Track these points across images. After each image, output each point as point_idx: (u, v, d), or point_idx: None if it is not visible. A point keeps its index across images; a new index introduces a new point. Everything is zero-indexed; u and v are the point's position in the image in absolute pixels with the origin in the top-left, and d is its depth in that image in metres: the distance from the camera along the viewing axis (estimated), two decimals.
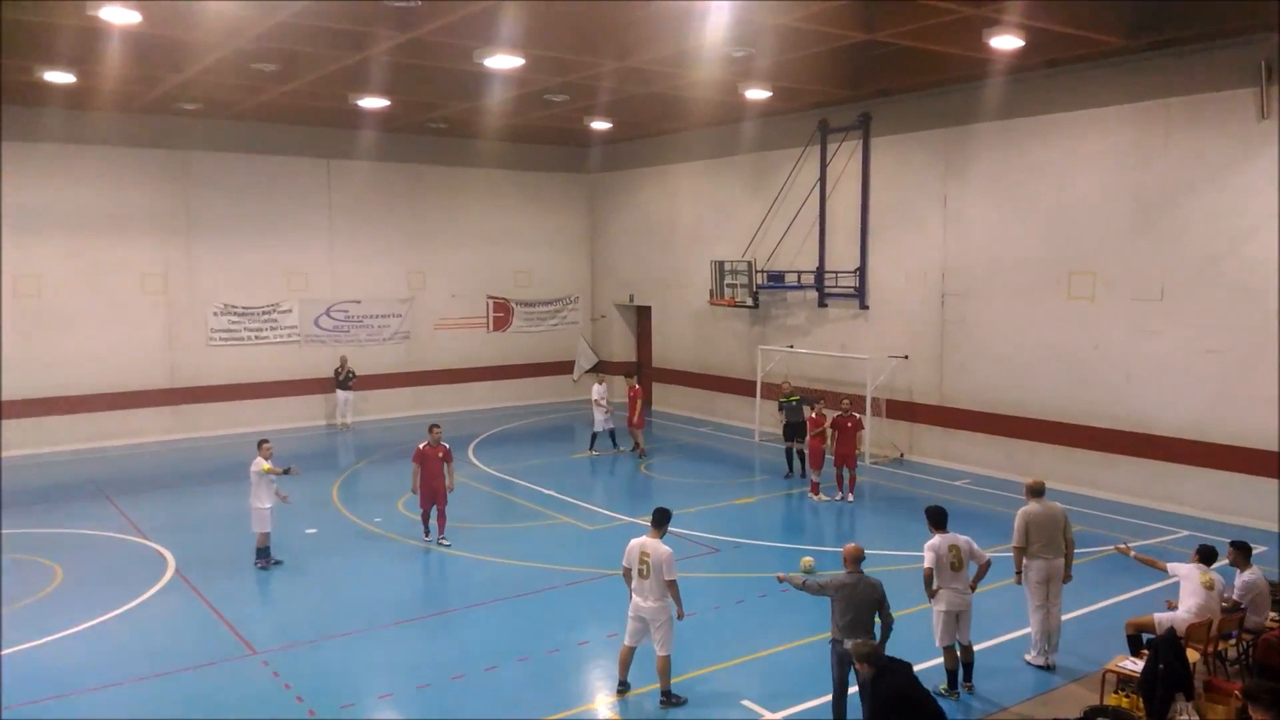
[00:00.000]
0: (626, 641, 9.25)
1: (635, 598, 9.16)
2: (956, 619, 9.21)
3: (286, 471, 13.19)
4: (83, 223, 21.24)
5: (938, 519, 9.49)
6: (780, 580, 8.71)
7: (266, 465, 12.96)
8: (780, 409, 18.20)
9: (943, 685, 9.27)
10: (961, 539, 9.35)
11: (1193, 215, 15.38)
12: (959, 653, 9.31)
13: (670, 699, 9.08)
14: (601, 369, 28.46)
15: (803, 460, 17.68)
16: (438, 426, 14.46)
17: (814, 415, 17.01)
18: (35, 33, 14.81)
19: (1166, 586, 10.71)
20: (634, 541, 9.30)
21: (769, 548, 14.29)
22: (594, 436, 20.82)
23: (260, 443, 13.42)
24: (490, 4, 12.84)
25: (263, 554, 13.26)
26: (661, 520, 9.41)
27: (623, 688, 9.25)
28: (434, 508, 14.16)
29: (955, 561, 9.21)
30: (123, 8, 12.56)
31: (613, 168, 27.86)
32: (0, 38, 14.31)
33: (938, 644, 9.29)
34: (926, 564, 9.24)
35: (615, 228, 28.04)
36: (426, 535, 14.25)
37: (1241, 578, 9.54)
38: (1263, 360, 14.65)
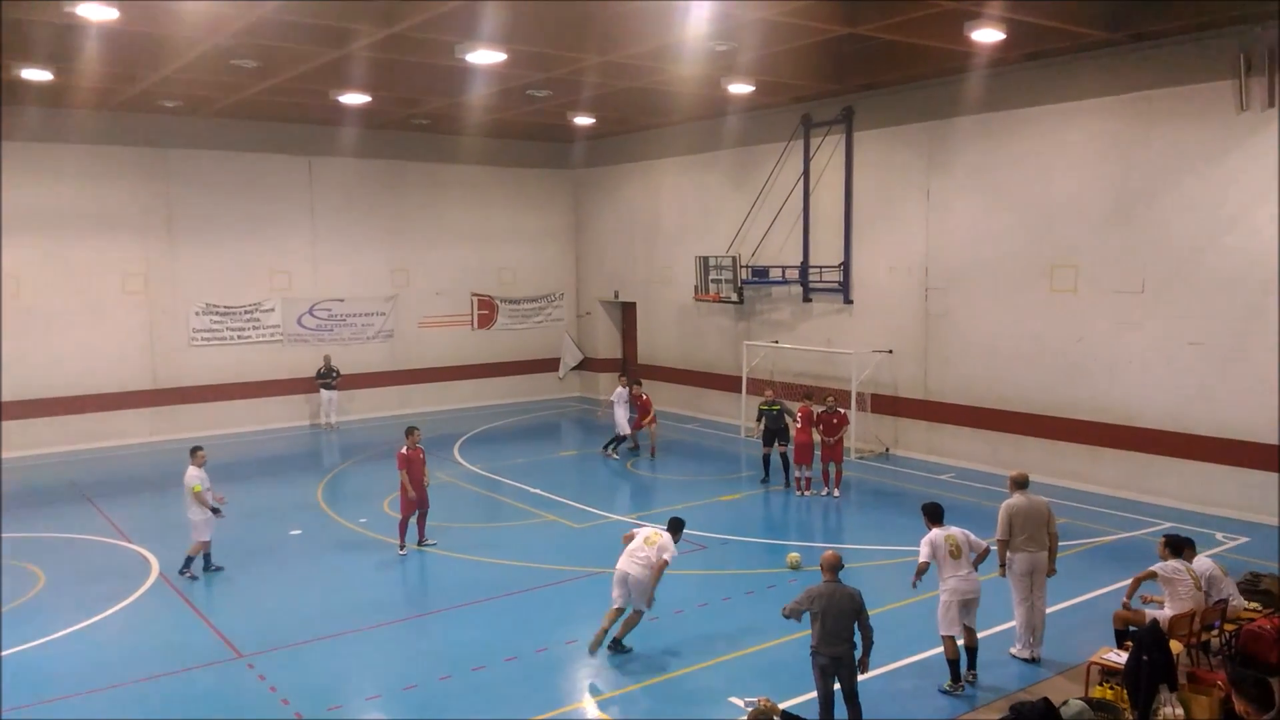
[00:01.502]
0: (615, 604, 10.05)
1: (624, 560, 10.11)
2: (964, 606, 9.27)
3: (215, 511, 12.84)
4: (62, 222, 21.03)
5: (935, 514, 9.64)
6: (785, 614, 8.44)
7: (197, 487, 12.63)
8: (760, 416, 17.65)
9: (946, 683, 9.22)
10: (957, 530, 9.46)
11: (1174, 207, 15.45)
12: (963, 638, 9.32)
13: (621, 648, 10.05)
14: (587, 365, 28.46)
15: (785, 464, 17.27)
16: (417, 429, 14.22)
17: (800, 409, 16.96)
18: (12, 30, 14.62)
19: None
20: (648, 529, 10.56)
21: (756, 544, 14.30)
22: (619, 439, 20.18)
23: (194, 450, 13.12)
24: None
25: (205, 560, 12.96)
26: (675, 529, 10.51)
27: (605, 636, 9.97)
28: (415, 514, 13.89)
29: (954, 549, 9.32)
30: (100, 4, 12.42)
31: (596, 163, 27.79)
32: None
33: (940, 632, 9.31)
34: (923, 558, 9.36)
35: (599, 224, 27.98)
36: (403, 548, 13.82)
37: (1192, 567, 9.59)
38: (1244, 351, 14.75)
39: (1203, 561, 9.66)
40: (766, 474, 17.56)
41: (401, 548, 13.83)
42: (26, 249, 20.65)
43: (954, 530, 9.46)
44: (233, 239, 23.07)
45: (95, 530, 15.14)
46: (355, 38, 14.55)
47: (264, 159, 23.44)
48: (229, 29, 13.92)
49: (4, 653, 10.30)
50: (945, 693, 9.17)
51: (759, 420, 17.71)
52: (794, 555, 12.99)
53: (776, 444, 17.31)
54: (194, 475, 12.75)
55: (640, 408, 20.14)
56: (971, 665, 9.37)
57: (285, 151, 23.68)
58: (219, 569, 13.00)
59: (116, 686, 9.56)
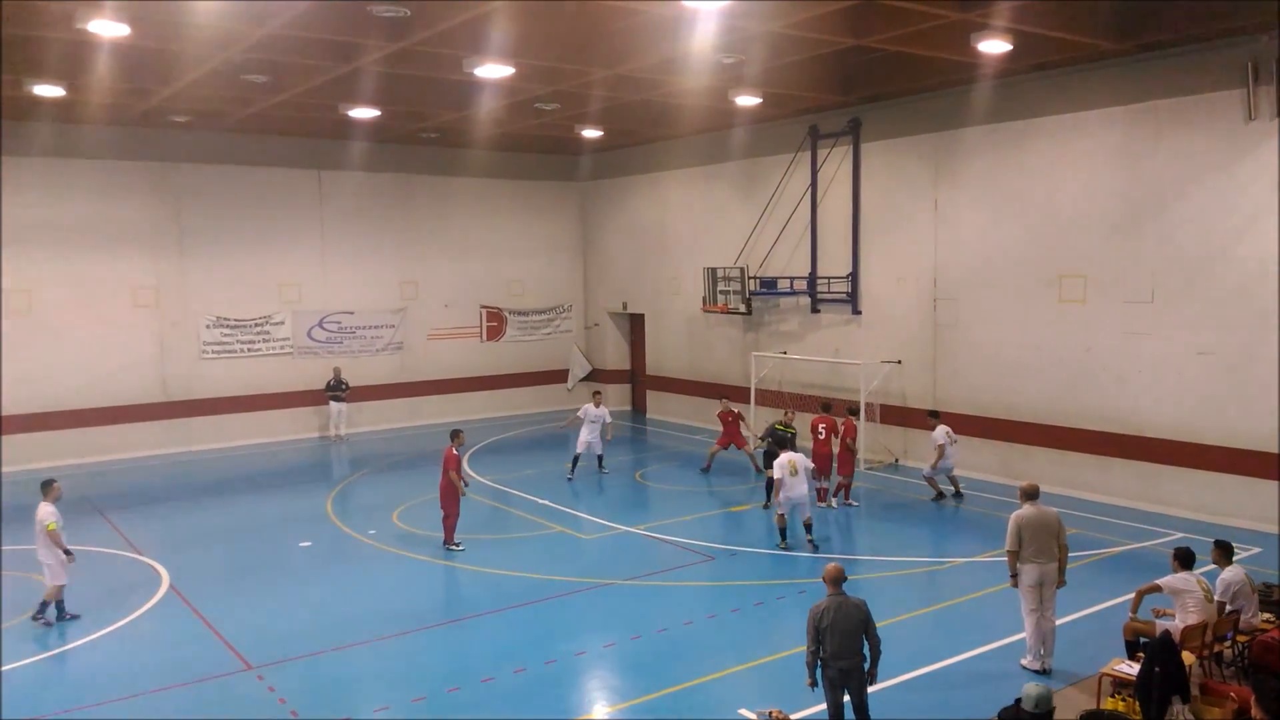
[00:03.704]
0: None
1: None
2: (795, 508, 14.20)
3: (67, 554, 11.55)
4: (73, 237, 21.18)
5: (779, 445, 15.43)
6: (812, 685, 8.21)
7: (52, 525, 11.39)
8: (770, 434, 16.85)
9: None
10: (798, 455, 14.39)
11: (1182, 217, 15.43)
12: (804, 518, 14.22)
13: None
14: (595, 377, 28.49)
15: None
16: (461, 432, 14.99)
17: (824, 421, 16.88)
18: (24, 46, 14.78)
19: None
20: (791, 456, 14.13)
21: (764, 555, 14.28)
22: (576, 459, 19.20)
23: (47, 483, 11.86)
24: (479, 13, 12.85)
25: (59, 607, 11.69)
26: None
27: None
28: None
29: (793, 469, 14.02)
30: (112, 21, 12.54)
31: (604, 175, 27.89)
32: None
33: (779, 511, 14.31)
34: (776, 475, 14.14)
35: (608, 236, 28.06)
36: (459, 545, 14.37)
37: (1221, 576, 9.55)
38: (1254, 361, 14.71)
39: (1234, 571, 9.57)
40: (769, 500, 16.53)
41: (457, 545, 14.36)
42: (39, 263, 20.80)
43: (795, 455, 14.24)
44: (243, 252, 23.20)
45: (106, 543, 15.19)
46: (364, 52, 14.65)
47: (274, 173, 23.58)
48: (240, 45, 14.03)
49: (16, 665, 10.37)
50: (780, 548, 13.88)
51: (765, 437, 16.97)
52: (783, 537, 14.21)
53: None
54: (49, 512, 11.52)
55: (730, 427, 19.13)
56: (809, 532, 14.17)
57: (295, 165, 23.83)
58: (74, 617, 11.74)
59: (128, 698, 9.59)
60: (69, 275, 21.18)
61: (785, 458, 14.17)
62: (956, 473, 17.09)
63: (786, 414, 17.75)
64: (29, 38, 14.20)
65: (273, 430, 23.63)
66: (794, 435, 16.88)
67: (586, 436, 19.05)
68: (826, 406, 17.57)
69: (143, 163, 21.96)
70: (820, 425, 16.82)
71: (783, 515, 14.19)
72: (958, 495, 16.97)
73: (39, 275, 20.83)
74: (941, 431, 16.71)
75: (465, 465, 20.21)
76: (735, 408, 19.66)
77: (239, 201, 23.11)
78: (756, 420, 21.63)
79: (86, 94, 17.37)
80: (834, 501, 16.67)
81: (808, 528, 14.15)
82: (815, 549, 13.95)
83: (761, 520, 16.35)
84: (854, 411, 17.32)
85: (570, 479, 18.87)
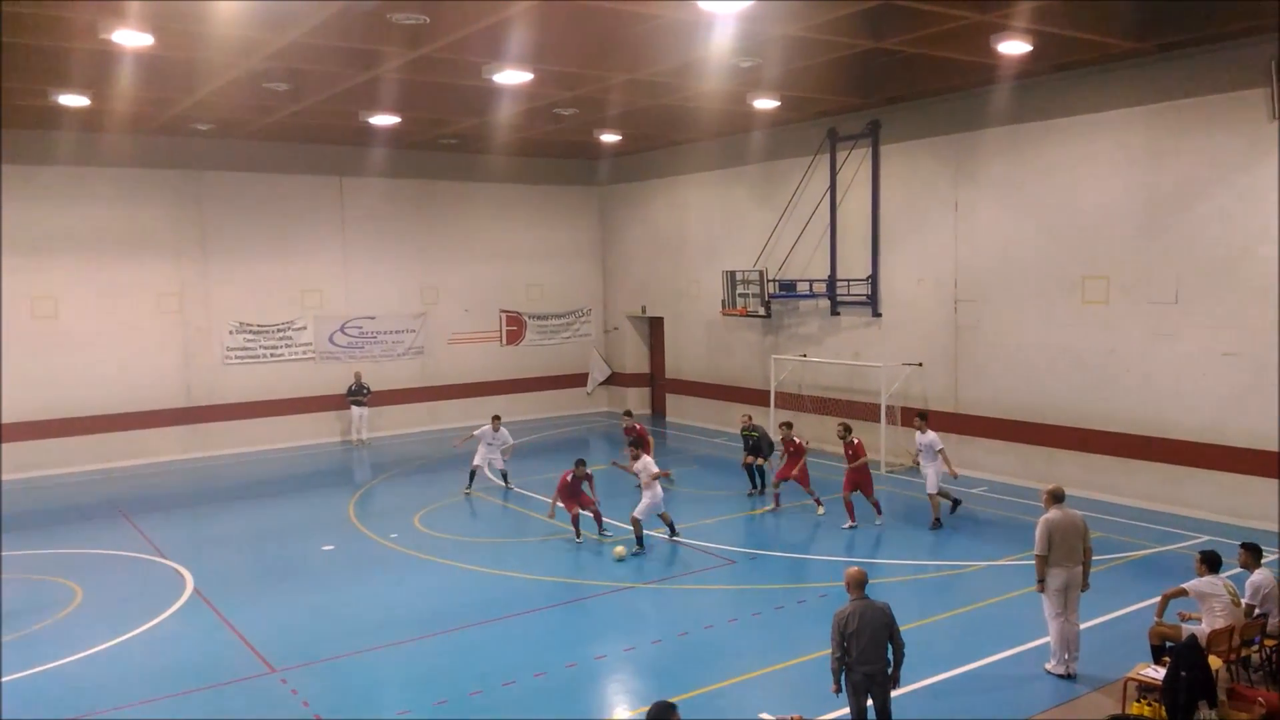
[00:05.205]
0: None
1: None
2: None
3: None
4: (98, 244, 21.42)
5: (638, 443, 16.00)
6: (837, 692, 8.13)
7: None
8: (745, 440, 18.07)
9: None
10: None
11: (1206, 217, 15.29)
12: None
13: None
14: (615, 381, 28.52)
15: (762, 476, 17.78)
16: (583, 460, 15.62)
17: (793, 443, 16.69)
18: (48, 56, 14.97)
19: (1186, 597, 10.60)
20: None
21: (785, 559, 14.24)
22: (471, 474, 18.46)
23: None
24: (498, 19, 12.91)
25: None
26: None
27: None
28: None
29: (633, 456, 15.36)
30: (135, 31, 12.68)
31: (623, 180, 27.93)
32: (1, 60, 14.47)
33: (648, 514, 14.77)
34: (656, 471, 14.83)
35: (626, 239, 28.09)
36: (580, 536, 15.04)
37: (1250, 579, 9.45)
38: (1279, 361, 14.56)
39: (1263, 574, 9.46)
40: (754, 484, 17.97)
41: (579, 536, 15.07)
42: (64, 271, 21.05)
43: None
44: (265, 258, 23.39)
45: (131, 546, 15.33)
46: (384, 60, 14.74)
47: (295, 179, 23.76)
48: (261, 53, 14.15)
49: (42, 668, 10.48)
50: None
51: (744, 443, 18.13)
52: (620, 549, 14.18)
53: (758, 458, 17.83)
54: None
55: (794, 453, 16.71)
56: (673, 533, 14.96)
57: (316, 172, 24.00)
58: None
59: (151, 700, 9.68)
60: (93, 282, 21.40)
61: (649, 459, 15.14)
62: (968, 474, 16.91)
63: (745, 418, 18.53)
64: (54, 48, 14.37)
65: (295, 435, 23.80)
66: (759, 436, 17.70)
67: (484, 454, 18.27)
68: (788, 424, 17.16)
69: (166, 170, 22.18)
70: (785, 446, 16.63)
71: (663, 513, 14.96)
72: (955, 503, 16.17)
73: (64, 282, 21.07)
74: (935, 437, 15.68)
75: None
76: (639, 424, 18.86)
77: (261, 208, 23.31)
78: (776, 422, 21.54)
79: (110, 103, 17.57)
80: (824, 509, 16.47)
81: (671, 527, 15.15)
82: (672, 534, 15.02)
83: (781, 524, 16.32)
84: (849, 429, 16.67)
85: (468, 493, 18.24)
